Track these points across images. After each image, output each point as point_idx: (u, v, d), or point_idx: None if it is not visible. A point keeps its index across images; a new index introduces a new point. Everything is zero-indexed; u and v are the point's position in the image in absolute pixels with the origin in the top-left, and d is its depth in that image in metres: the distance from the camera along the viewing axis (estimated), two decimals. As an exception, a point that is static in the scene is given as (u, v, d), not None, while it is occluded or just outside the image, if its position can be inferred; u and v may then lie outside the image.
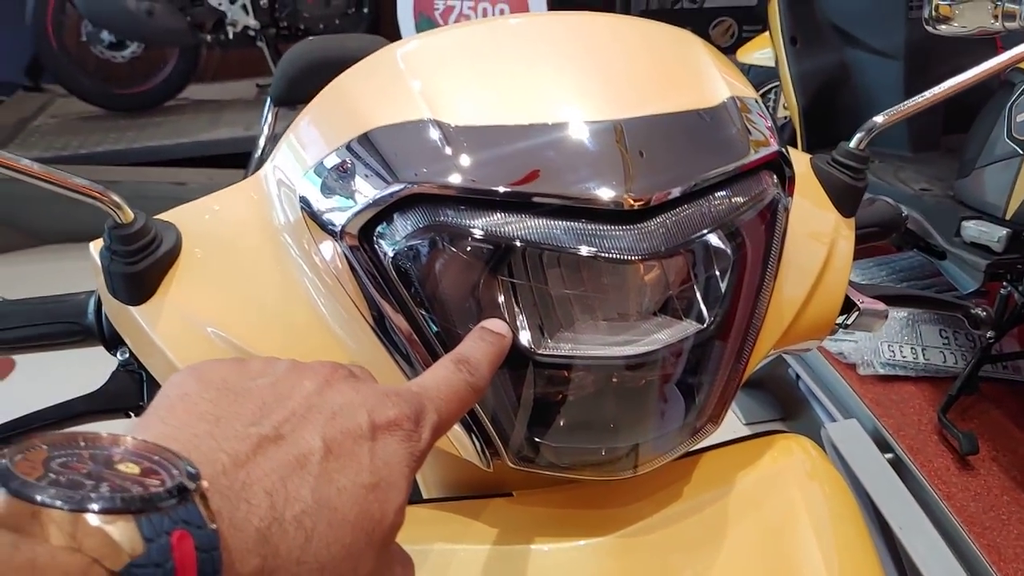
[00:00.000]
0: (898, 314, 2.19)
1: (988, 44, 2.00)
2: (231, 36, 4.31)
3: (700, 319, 0.57)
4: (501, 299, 0.52)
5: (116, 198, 0.55)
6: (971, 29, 0.79)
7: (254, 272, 0.59)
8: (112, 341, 0.64)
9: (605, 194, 0.50)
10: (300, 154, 0.58)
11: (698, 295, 0.56)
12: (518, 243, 0.50)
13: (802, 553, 0.64)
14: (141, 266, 0.57)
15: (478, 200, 0.51)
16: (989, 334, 2.01)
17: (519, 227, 0.51)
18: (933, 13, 0.78)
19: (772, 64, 2.60)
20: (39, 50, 4.40)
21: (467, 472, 0.65)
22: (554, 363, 0.53)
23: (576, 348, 0.54)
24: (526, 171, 0.51)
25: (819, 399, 2.27)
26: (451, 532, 0.60)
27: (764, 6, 2.60)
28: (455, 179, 0.50)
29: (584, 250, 0.51)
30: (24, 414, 0.63)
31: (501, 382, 0.54)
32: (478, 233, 0.50)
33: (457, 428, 0.56)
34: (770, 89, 2.97)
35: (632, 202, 0.50)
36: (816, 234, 0.70)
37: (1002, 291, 1.99)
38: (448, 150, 0.51)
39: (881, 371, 2.14)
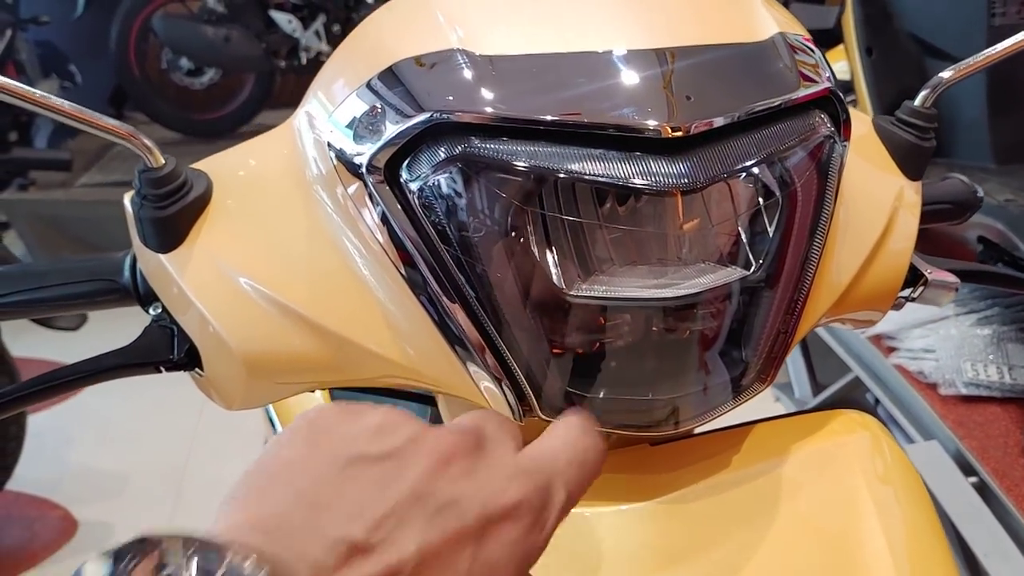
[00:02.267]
0: (982, 331, 2.09)
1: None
2: (304, 62, 4.40)
3: (747, 265, 0.53)
4: (532, 234, 0.49)
5: (147, 141, 0.54)
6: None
7: (285, 221, 0.58)
8: (146, 298, 0.64)
9: (643, 122, 0.47)
10: (329, 95, 0.56)
11: (743, 239, 0.53)
12: (550, 173, 0.47)
13: (862, 534, 0.59)
14: (171, 211, 0.56)
15: (508, 129, 0.48)
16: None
17: (551, 156, 0.47)
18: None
19: (847, 77, 2.54)
20: (122, 78, 4.56)
21: None
22: (588, 305, 0.50)
23: (611, 290, 0.50)
24: (558, 99, 0.48)
25: (897, 421, 2.17)
26: None
27: (840, 22, 2.54)
28: (483, 108, 0.48)
29: (618, 180, 0.47)
30: (57, 368, 0.62)
31: (531, 326, 0.51)
32: (505, 162, 0.48)
33: (486, 378, 0.53)
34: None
35: (670, 130, 0.47)
36: (878, 196, 0.65)
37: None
38: (476, 79, 0.49)
39: (964, 391, 2.04)
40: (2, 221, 3.74)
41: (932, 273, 0.69)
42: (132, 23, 4.39)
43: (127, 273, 0.64)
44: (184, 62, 4.47)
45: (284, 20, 4.30)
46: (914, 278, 0.69)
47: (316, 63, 4.43)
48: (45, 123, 4.45)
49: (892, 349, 2.20)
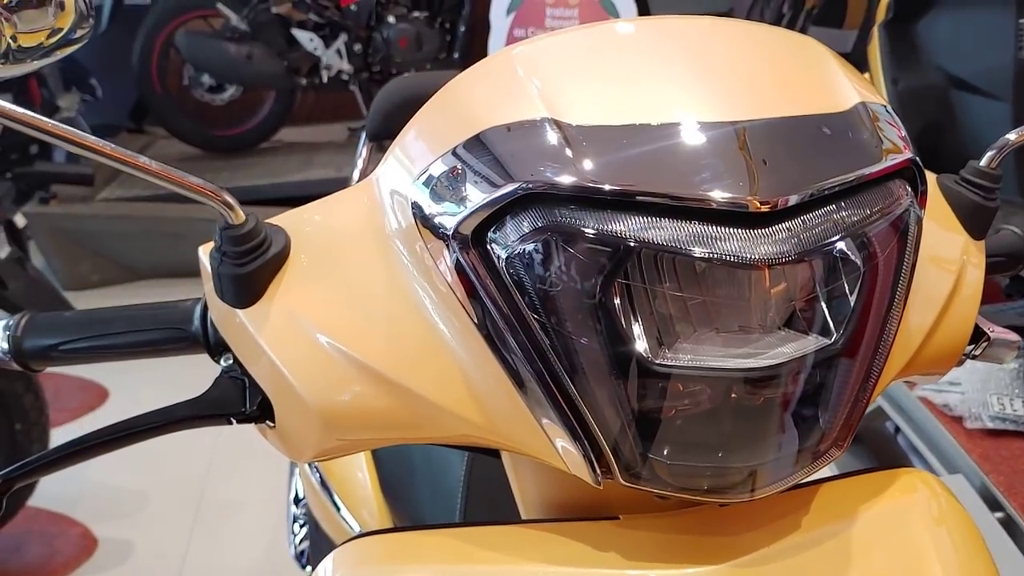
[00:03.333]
0: (1009, 365, 2.08)
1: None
2: (325, 80, 4.42)
3: (826, 334, 0.53)
4: (618, 303, 0.49)
5: (229, 198, 0.55)
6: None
7: (364, 278, 0.58)
8: (216, 348, 0.64)
9: (730, 196, 0.48)
10: (412, 157, 0.57)
11: (824, 309, 0.53)
12: (638, 245, 0.48)
13: None
14: (250, 268, 0.56)
15: (596, 201, 0.48)
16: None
17: (639, 229, 0.48)
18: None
19: (871, 107, 2.54)
20: (143, 94, 4.59)
21: (570, 493, 0.62)
22: (672, 374, 0.50)
23: (695, 359, 0.51)
24: (648, 171, 0.49)
25: (921, 453, 2.16)
26: (555, 554, 0.57)
27: (860, 51, 2.54)
28: (575, 179, 0.48)
29: (707, 253, 0.48)
30: (126, 418, 0.62)
31: (616, 392, 0.51)
32: (595, 233, 0.48)
33: (566, 441, 0.53)
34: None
35: (759, 205, 0.48)
36: (945, 256, 0.66)
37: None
38: (567, 149, 0.49)
39: (990, 425, 2.03)
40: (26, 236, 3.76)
41: (994, 331, 0.70)
42: (155, 39, 4.42)
43: (197, 322, 0.65)
44: (205, 78, 4.50)
45: (306, 38, 4.32)
46: (976, 335, 0.69)
47: (336, 81, 4.45)
48: (65, 136, 4.47)
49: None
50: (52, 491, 2.38)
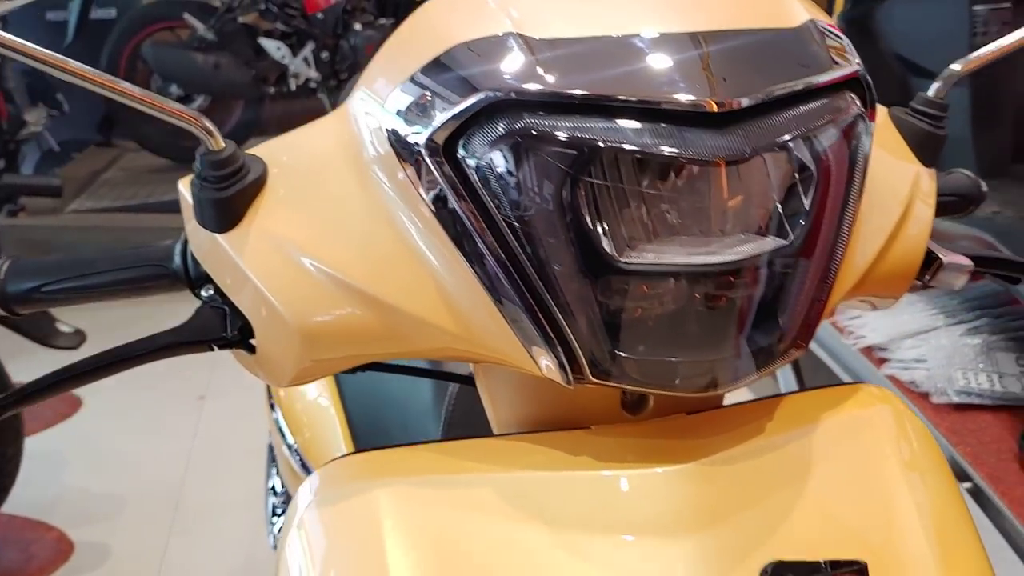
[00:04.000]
0: (972, 341, 2.13)
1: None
2: (293, 88, 4.44)
3: (783, 235, 0.56)
4: (584, 204, 0.52)
5: (208, 124, 0.57)
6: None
7: (340, 199, 0.60)
8: (197, 281, 0.66)
9: (688, 98, 0.51)
10: (383, 83, 0.59)
11: (780, 211, 0.56)
12: (603, 145, 0.50)
13: (889, 494, 0.62)
14: (230, 192, 0.59)
15: (561, 106, 0.51)
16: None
17: (603, 131, 0.51)
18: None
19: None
20: (111, 105, 4.57)
21: (543, 408, 0.64)
22: (636, 271, 0.53)
23: (659, 257, 0.53)
24: (611, 77, 0.51)
25: (890, 430, 2.20)
26: (528, 462, 0.60)
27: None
28: (540, 86, 0.51)
29: (667, 151, 0.51)
30: (110, 348, 0.64)
31: (584, 293, 0.53)
32: (561, 136, 0.51)
33: (539, 345, 0.55)
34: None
35: (715, 106, 0.51)
36: (896, 181, 0.69)
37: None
38: (531, 60, 0.52)
39: (956, 399, 2.08)
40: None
41: (947, 257, 0.73)
42: (121, 51, 4.42)
43: (178, 259, 0.67)
44: (173, 89, 4.49)
45: (273, 47, 4.34)
46: (929, 261, 0.72)
47: (305, 89, 4.47)
48: (32, 150, 4.45)
49: (884, 360, 2.23)
50: (27, 497, 2.36)
